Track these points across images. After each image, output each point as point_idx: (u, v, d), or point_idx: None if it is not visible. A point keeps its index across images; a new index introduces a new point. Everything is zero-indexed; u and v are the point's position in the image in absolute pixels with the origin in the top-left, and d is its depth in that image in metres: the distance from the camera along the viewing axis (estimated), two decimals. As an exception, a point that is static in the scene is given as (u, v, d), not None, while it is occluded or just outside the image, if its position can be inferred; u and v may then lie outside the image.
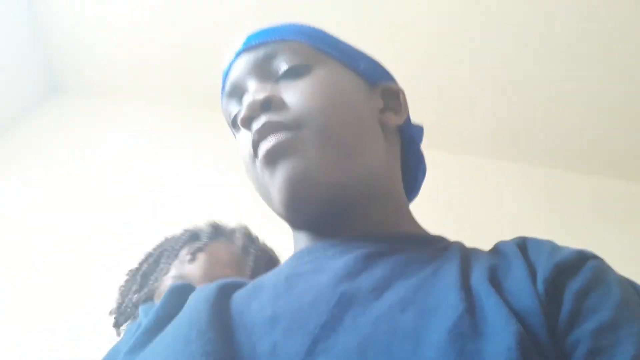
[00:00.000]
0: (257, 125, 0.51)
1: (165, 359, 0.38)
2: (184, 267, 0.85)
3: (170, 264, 0.87)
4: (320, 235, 0.52)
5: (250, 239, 0.95)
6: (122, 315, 0.89)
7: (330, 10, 1.72)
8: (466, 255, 0.46)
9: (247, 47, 0.56)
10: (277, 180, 0.50)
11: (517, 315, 0.37)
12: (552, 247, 0.45)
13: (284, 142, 0.49)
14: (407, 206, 0.59)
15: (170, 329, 0.42)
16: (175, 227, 0.99)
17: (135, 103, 2.09)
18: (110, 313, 0.90)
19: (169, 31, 1.91)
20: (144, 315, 0.48)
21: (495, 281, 0.41)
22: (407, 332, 0.36)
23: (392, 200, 0.56)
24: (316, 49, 0.56)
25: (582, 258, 0.42)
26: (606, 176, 1.94)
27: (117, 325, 0.89)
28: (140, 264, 0.93)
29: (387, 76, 0.61)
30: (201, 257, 0.85)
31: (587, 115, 1.82)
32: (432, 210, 1.44)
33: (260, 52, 0.55)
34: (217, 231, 0.93)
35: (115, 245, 1.56)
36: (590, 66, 1.71)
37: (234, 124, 0.58)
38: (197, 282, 0.81)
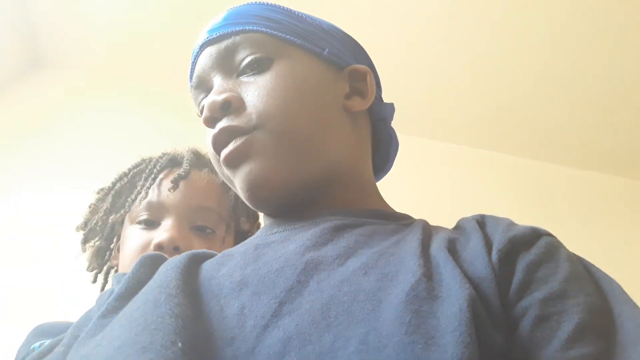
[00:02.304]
0: (215, 129, 0.53)
1: (135, 320, 0.39)
2: (162, 195, 0.81)
3: (148, 188, 0.83)
4: (289, 217, 0.54)
5: None
6: (90, 232, 0.86)
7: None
8: (428, 230, 0.49)
9: (210, 38, 0.57)
10: (238, 182, 0.53)
11: (471, 282, 0.39)
12: (509, 223, 0.47)
13: (241, 147, 0.51)
14: (374, 185, 0.60)
15: (141, 293, 0.43)
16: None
17: (117, 78, 2.10)
18: (77, 229, 0.87)
19: (154, 7, 1.90)
20: (116, 283, 0.49)
21: (453, 251, 0.43)
22: (367, 294, 0.38)
23: (356, 182, 0.57)
24: (277, 38, 0.55)
25: (536, 234, 0.44)
26: (585, 169, 1.99)
27: (85, 241, 0.86)
28: (114, 183, 0.88)
29: (356, 55, 0.61)
30: (182, 185, 0.81)
31: (568, 109, 1.86)
32: (412, 195, 1.45)
33: (221, 45, 0.56)
34: (199, 159, 0.88)
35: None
36: (574, 61, 1.74)
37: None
38: (175, 211, 0.79)
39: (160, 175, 0.84)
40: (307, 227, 0.49)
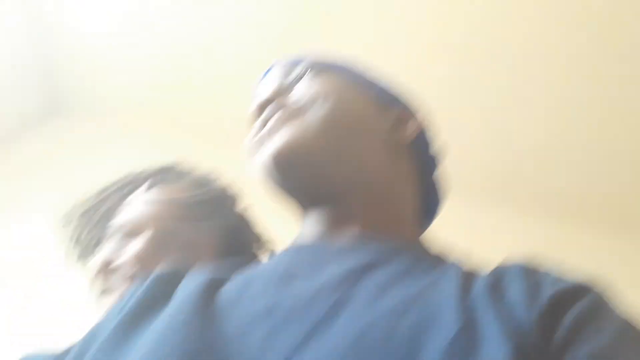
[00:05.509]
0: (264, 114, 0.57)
1: (154, 345, 0.39)
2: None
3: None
4: (322, 223, 0.54)
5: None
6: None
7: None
8: (466, 273, 0.46)
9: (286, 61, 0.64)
10: (266, 149, 0.53)
11: (513, 333, 0.37)
12: (556, 274, 0.45)
13: (283, 116, 0.55)
14: (413, 216, 0.59)
15: (159, 317, 0.43)
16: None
17: (139, 125, 2.10)
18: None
19: (173, 53, 1.94)
20: (129, 296, 0.48)
21: (495, 298, 0.41)
22: (402, 339, 0.37)
23: (390, 204, 0.56)
24: (333, 72, 0.61)
25: (585, 288, 0.42)
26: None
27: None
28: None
29: (404, 104, 0.64)
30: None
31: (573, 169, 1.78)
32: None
33: (289, 65, 0.63)
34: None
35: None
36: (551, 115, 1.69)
37: None
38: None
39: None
40: (340, 257, 0.48)
